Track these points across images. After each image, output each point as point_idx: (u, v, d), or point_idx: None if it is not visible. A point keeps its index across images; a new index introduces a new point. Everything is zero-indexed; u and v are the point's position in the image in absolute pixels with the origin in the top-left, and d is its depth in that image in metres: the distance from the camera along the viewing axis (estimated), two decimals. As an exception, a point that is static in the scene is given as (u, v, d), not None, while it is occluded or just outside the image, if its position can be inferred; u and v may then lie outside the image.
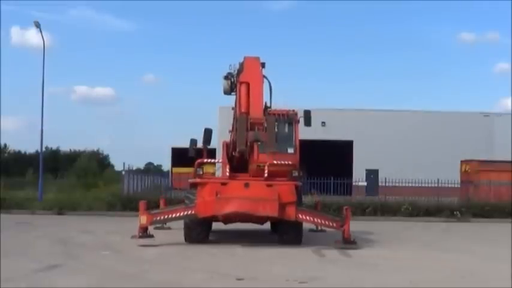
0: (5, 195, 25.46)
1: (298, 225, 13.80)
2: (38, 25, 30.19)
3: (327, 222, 14.05)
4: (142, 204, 13.72)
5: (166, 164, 63.96)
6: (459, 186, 30.66)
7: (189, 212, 13.46)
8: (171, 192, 28.95)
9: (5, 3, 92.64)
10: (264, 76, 13.50)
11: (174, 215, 13.74)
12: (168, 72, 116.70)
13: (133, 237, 13.57)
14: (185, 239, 13.83)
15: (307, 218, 13.78)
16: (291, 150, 14.31)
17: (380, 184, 31.82)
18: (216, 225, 15.09)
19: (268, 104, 13.99)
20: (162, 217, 13.95)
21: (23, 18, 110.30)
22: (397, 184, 27.86)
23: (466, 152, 37.53)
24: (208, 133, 15.25)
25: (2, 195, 25.41)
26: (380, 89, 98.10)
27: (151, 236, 13.64)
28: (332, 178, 28.97)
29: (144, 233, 13.55)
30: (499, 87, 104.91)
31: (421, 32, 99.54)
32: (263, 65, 13.47)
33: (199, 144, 15.51)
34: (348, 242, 13.38)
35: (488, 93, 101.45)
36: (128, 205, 24.08)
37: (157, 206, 17.51)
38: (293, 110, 14.80)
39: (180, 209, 13.88)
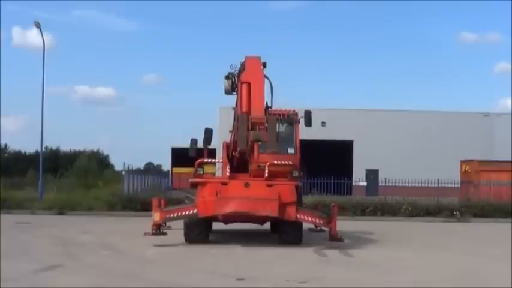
0: (5, 195, 25.46)
1: (298, 225, 13.80)
2: (38, 25, 30.25)
3: (313, 219, 14.02)
4: (155, 201, 13.79)
5: (166, 164, 64.03)
6: (459, 186, 30.68)
7: None
8: (171, 192, 28.97)
9: (6, 3, 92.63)
10: (265, 76, 13.49)
11: (186, 213, 13.64)
12: (169, 72, 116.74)
13: (146, 234, 13.68)
14: (185, 239, 13.82)
15: (307, 218, 13.78)
16: (291, 151, 14.33)
17: (380, 184, 31.85)
18: (216, 225, 15.09)
19: (269, 104, 13.97)
20: (175, 214, 13.84)
21: (25, 18, 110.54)
22: (397, 184, 27.85)
23: (466, 152, 37.55)
24: (208, 133, 15.26)
25: (2, 195, 25.41)
26: (380, 89, 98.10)
27: (165, 234, 13.71)
28: (332, 178, 28.95)
29: (157, 230, 13.62)
30: (499, 87, 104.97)
31: (422, 32, 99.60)
32: (264, 64, 13.45)
33: (200, 144, 15.52)
34: (335, 239, 13.61)
35: (488, 93, 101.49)
36: (128, 205, 24.15)
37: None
38: (293, 110, 14.81)
39: (192, 206, 13.82)
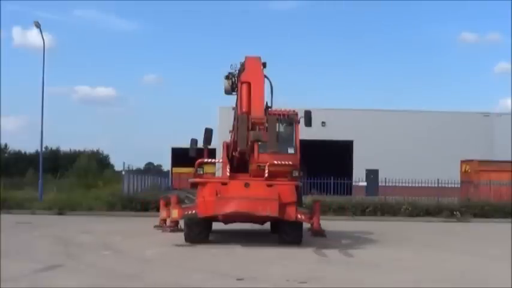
0: (5, 195, 25.45)
1: (298, 225, 13.79)
2: (38, 25, 30.26)
3: (299, 216, 14.00)
4: (174, 198, 13.74)
5: (166, 164, 64.02)
6: (459, 186, 30.71)
7: None
8: (171, 192, 28.95)
9: (6, 3, 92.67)
10: (265, 76, 13.48)
11: None
12: (169, 72, 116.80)
13: (164, 231, 13.80)
14: (185, 239, 13.81)
15: (306, 218, 13.78)
16: (291, 151, 14.33)
17: (380, 184, 31.88)
18: (216, 225, 15.09)
19: (269, 104, 13.98)
20: (193, 211, 13.56)
21: (25, 18, 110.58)
22: (397, 184, 27.88)
23: (466, 152, 37.58)
24: (208, 133, 15.25)
25: (2, 195, 25.40)
26: (380, 89, 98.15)
27: (182, 230, 13.75)
28: (332, 178, 28.97)
29: (175, 227, 13.69)
30: (499, 87, 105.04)
31: (422, 32, 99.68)
32: (264, 64, 13.45)
33: (200, 144, 15.51)
34: (318, 234, 13.87)
35: (488, 93, 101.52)
36: (128, 205, 24.15)
37: (158, 207, 17.48)
38: (293, 110, 14.81)
39: None
